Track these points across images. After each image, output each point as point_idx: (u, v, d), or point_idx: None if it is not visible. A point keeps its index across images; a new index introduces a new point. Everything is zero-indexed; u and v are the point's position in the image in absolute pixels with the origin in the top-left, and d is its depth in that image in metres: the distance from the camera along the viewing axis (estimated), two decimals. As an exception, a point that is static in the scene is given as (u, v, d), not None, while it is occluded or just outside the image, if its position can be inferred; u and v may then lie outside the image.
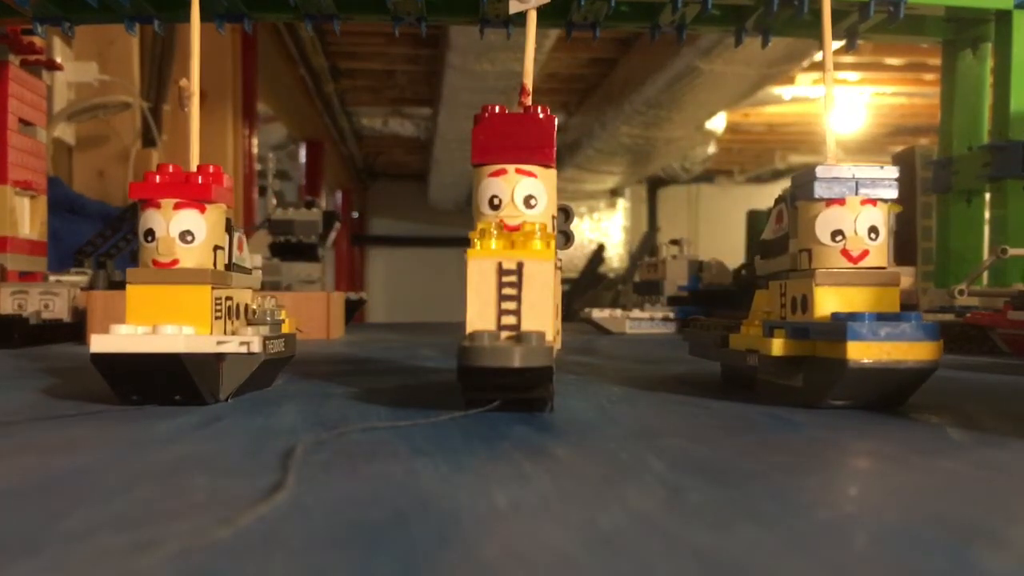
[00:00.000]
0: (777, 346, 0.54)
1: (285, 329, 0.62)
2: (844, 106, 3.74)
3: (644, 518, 0.27)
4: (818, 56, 2.29)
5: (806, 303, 0.54)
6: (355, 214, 5.75)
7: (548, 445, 0.40)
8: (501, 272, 0.49)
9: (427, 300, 5.31)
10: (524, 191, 0.53)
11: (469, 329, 0.48)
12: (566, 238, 0.59)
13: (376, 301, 5.88)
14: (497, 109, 0.54)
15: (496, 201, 0.52)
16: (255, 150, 2.83)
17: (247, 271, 0.62)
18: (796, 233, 0.56)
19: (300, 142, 4.20)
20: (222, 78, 2.55)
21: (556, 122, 0.55)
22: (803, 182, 0.56)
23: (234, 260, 0.59)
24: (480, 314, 0.49)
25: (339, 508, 0.28)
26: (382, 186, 6.06)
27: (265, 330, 0.56)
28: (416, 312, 4.84)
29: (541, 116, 0.54)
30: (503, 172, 0.53)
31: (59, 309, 1.21)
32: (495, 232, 0.51)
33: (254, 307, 0.61)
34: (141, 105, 2.02)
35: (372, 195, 6.12)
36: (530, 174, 0.53)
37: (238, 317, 0.59)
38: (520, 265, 0.49)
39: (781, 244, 0.60)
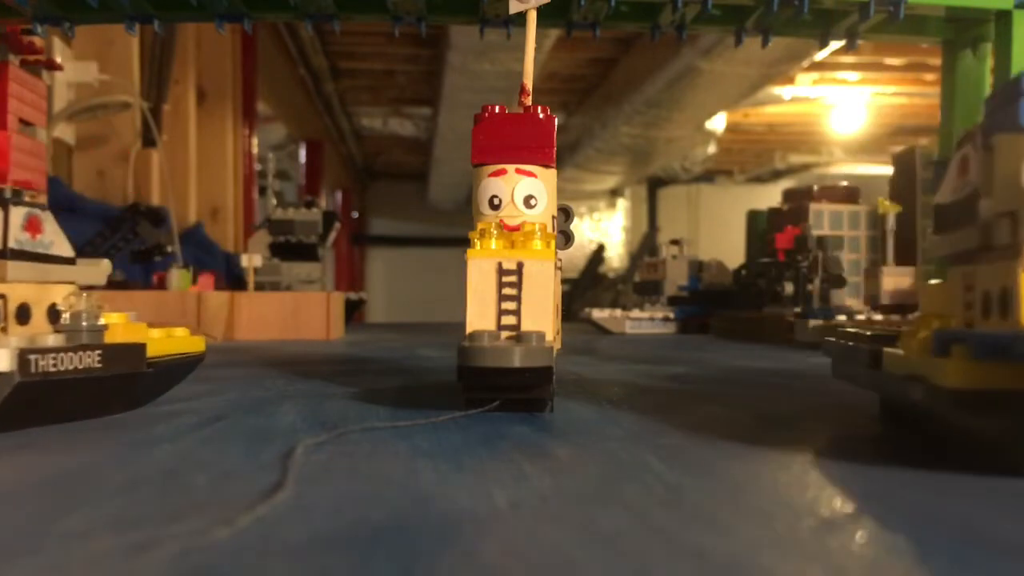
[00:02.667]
0: (955, 372, 0.33)
1: (124, 336, 0.48)
2: (845, 106, 3.74)
3: (644, 518, 0.27)
4: (818, 56, 2.29)
5: (1008, 302, 0.34)
6: (354, 214, 5.75)
7: (548, 445, 0.40)
8: (501, 272, 0.49)
9: (427, 300, 5.31)
10: (524, 191, 0.53)
11: (469, 329, 0.48)
12: (566, 238, 0.59)
13: (376, 301, 5.87)
14: (497, 109, 0.54)
15: (496, 201, 0.52)
16: (255, 150, 2.83)
17: (64, 260, 0.49)
18: (991, 189, 0.36)
19: (300, 142, 4.20)
20: (222, 78, 2.55)
21: (556, 122, 0.55)
22: (1004, 101, 0.35)
23: (19, 244, 0.45)
24: (480, 314, 0.49)
25: (339, 508, 0.28)
26: (382, 186, 6.06)
27: (59, 339, 0.44)
28: (416, 312, 4.85)
29: (541, 116, 0.54)
30: (503, 172, 0.53)
31: (59, 309, 1.21)
32: (495, 232, 0.51)
33: (65, 308, 0.47)
34: (141, 105, 2.01)
35: (372, 195, 6.12)
36: (530, 174, 0.53)
37: (26, 321, 0.44)
38: (520, 265, 0.49)
39: (966, 208, 0.39)
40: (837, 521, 0.27)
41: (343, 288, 4.21)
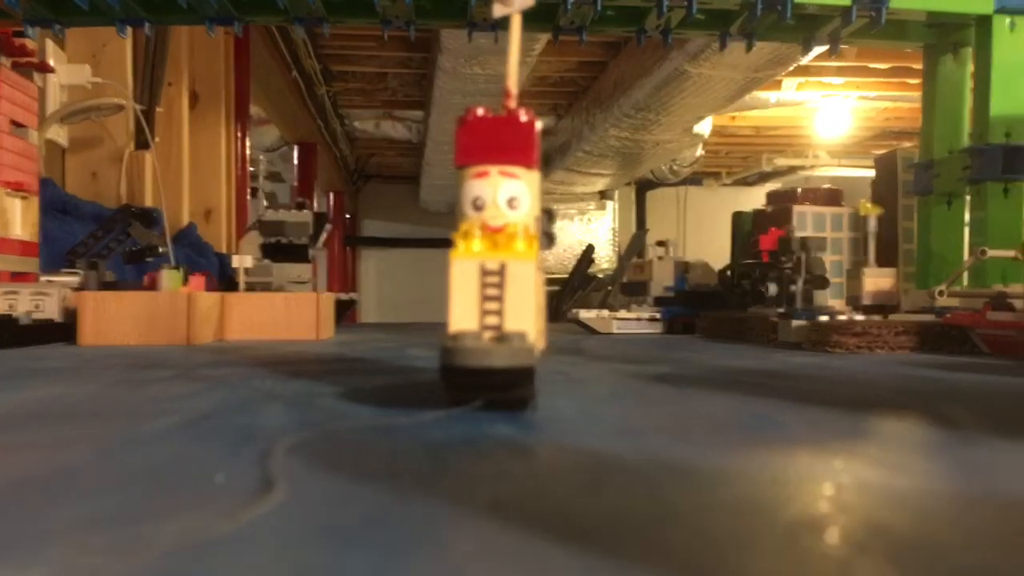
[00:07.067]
0: None
1: None
2: (829, 110, 3.75)
3: (623, 517, 0.28)
4: (803, 60, 2.31)
5: None
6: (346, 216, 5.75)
7: (530, 444, 0.41)
8: (484, 273, 0.50)
9: (419, 300, 5.32)
10: (507, 193, 0.53)
11: (452, 329, 0.49)
12: (549, 239, 0.60)
13: (368, 301, 5.88)
14: (480, 111, 0.55)
15: (479, 203, 0.53)
16: (248, 152, 2.84)
17: None
18: None
19: (293, 144, 4.20)
20: (215, 81, 2.56)
21: (539, 124, 0.56)
22: None
23: None
24: (463, 315, 0.50)
25: (319, 508, 0.28)
26: (374, 188, 6.06)
27: None
28: (408, 312, 4.85)
29: (524, 118, 0.55)
30: (486, 174, 0.53)
31: (50, 309, 1.22)
32: (478, 233, 0.52)
33: None
34: (134, 107, 2.02)
35: (364, 197, 6.11)
36: (513, 176, 0.54)
37: None
38: (503, 266, 0.50)
39: None
40: (813, 524, 0.28)
41: (336, 289, 4.20)
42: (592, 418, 0.50)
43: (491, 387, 0.48)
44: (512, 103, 0.57)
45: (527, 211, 0.54)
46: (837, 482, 0.34)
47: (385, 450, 0.38)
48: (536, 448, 0.40)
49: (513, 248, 0.51)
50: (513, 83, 0.58)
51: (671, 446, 0.41)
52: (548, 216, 0.59)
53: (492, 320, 0.50)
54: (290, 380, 0.69)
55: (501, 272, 0.50)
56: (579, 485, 0.32)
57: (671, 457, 0.38)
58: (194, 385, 0.64)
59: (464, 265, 0.50)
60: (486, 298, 0.50)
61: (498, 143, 0.54)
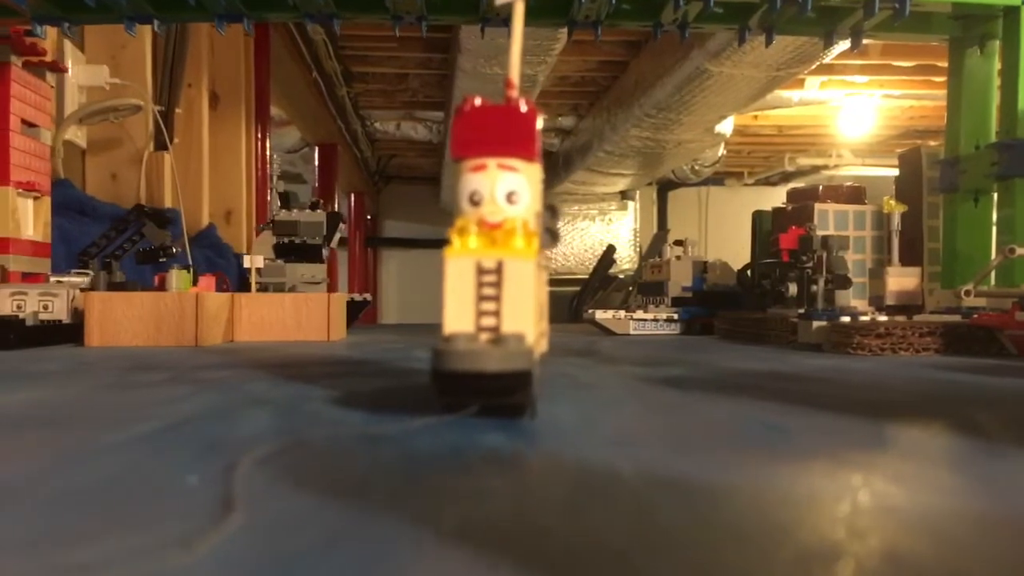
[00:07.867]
0: None
1: None
2: (853, 109, 3.69)
3: (605, 543, 0.25)
4: (827, 58, 2.27)
5: None
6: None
7: (520, 455, 0.39)
8: (480, 271, 0.48)
9: (439, 301, 5.31)
10: (505, 187, 0.51)
11: (447, 331, 0.47)
12: (552, 236, 0.57)
13: (389, 302, 5.89)
14: (478, 101, 0.52)
15: (476, 197, 0.51)
16: (268, 153, 2.83)
17: None
18: None
19: (314, 145, 4.20)
20: (235, 82, 2.55)
21: (541, 117, 0.53)
22: None
23: None
24: (458, 315, 0.47)
25: (270, 530, 0.26)
26: (395, 189, 6.07)
27: None
28: (428, 313, 4.84)
29: (524, 108, 0.52)
30: (483, 167, 0.51)
31: (58, 310, 1.21)
32: (475, 229, 0.49)
33: None
34: (152, 108, 2.01)
35: (385, 198, 6.13)
36: (512, 169, 0.51)
37: None
38: (500, 264, 0.48)
39: None
40: (822, 552, 0.25)
41: (356, 290, 4.20)
42: (592, 426, 0.48)
43: (483, 392, 0.46)
44: (513, 93, 0.54)
45: (527, 206, 0.51)
46: (853, 501, 0.31)
47: (363, 462, 0.36)
48: (525, 460, 0.37)
49: (511, 245, 0.48)
50: (515, 73, 0.56)
51: (672, 459, 0.38)
52: (552, 212, 0.57)
53: (489, 321, 0.47)
54: (286, 383, 0.67)
55: (498, 270, 0.48)
56: (563, 505, 0.29)
57: (670, 472, 0.35)
58: (185, 388, 0.62)
59: (459, 263, 0.48)
60: (482, 298, 0.47)
61: (496, 134, 0.51)
